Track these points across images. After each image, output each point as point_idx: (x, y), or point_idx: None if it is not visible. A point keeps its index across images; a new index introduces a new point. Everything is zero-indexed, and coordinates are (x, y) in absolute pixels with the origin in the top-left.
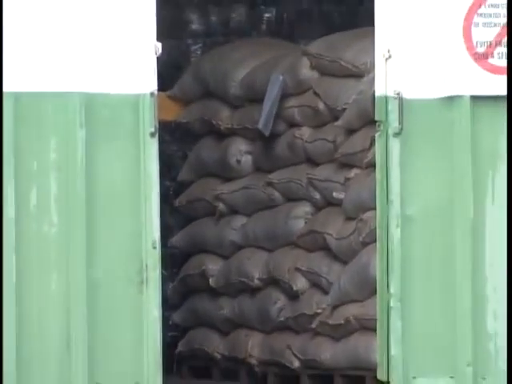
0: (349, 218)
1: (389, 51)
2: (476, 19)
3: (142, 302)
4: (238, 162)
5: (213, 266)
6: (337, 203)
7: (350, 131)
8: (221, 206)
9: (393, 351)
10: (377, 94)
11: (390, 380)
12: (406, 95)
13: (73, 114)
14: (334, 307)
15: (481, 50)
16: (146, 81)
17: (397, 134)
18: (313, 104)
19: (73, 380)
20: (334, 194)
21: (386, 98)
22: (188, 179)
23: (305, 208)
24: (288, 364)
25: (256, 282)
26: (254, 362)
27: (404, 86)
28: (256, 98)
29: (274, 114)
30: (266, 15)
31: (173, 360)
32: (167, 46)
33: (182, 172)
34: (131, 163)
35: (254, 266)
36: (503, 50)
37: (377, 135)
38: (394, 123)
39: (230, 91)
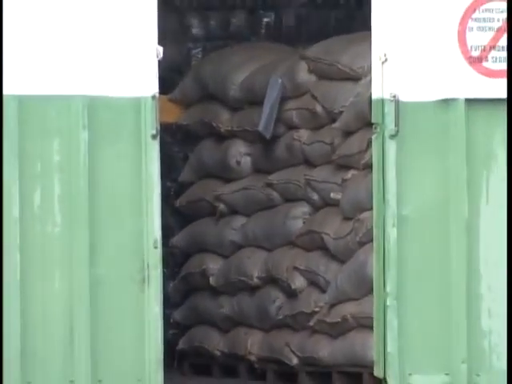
0: (346, 218)
1: (385, 55)
2: (470, 24)
3: (143, 301)
4: (238, 163)
5: (213, 265)
6: (334, 204)
7: (347, 133)
8: (221, 206)
9: (389, 348)
10: (373, 96)
11: (387, 376)
12: (402, 98)
13: (76, 116)
14: (332, 305)
15: (475, 53)
16: (148, 84)
17: (393, 136)
18: (311, 107)
19: (75, 377)
20: (332, 195)
21: (382, 101)
22: (189, 180)
23: (303, 208)
24: (287, 361)
25: (255, 280)
26: (253, 359)
27: (400, 88)
28: (255, 101)
29: (274, 117)
30: (265, 20)
31: (174, 357)
32: (168, 50)
33: (182, 173)
34: (133, 164)
35: (254, 265)
36: (497, 53)
37: (373, 137)
38: (390, 125)
39: (229, 94)
